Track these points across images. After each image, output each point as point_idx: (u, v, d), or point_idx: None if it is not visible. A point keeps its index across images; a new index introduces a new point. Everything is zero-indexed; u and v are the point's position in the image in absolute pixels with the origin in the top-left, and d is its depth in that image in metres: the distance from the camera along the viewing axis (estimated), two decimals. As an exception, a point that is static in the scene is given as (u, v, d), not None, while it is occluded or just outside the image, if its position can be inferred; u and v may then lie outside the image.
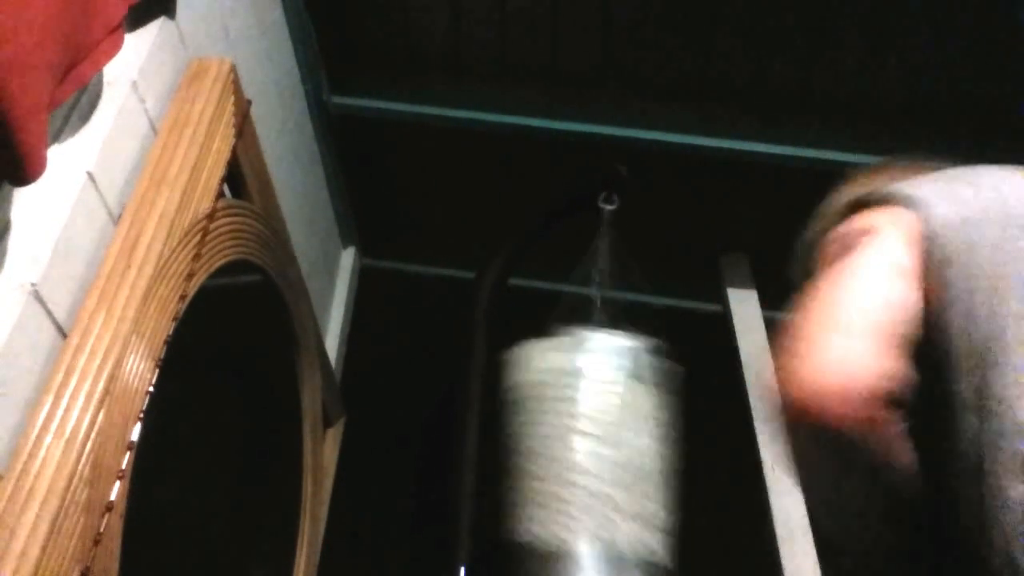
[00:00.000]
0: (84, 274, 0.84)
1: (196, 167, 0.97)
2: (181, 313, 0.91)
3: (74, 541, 0.74)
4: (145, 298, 0.85)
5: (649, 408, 1.22)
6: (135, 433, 0.83)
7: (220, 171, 1.03)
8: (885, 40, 1.46)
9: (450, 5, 1.53)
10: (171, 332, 0.89)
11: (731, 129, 1.65)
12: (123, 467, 0.81)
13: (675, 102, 1.63)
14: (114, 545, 0.81)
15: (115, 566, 0.81)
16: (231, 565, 1.33)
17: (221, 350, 1.23)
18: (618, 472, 1.15)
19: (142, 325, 0.84)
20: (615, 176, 1.45)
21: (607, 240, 1.41)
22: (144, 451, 0.84)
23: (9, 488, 0.70)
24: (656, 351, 1.25)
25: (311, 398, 1.55)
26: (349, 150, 1.87)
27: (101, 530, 0.77)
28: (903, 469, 0.71)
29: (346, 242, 2.14)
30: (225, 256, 1.06)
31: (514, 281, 1.69)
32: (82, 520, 0.74)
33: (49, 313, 0.78)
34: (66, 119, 0.87)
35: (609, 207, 1.43)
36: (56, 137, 0.86)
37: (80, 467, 0.75)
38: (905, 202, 0.76)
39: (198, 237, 0.97)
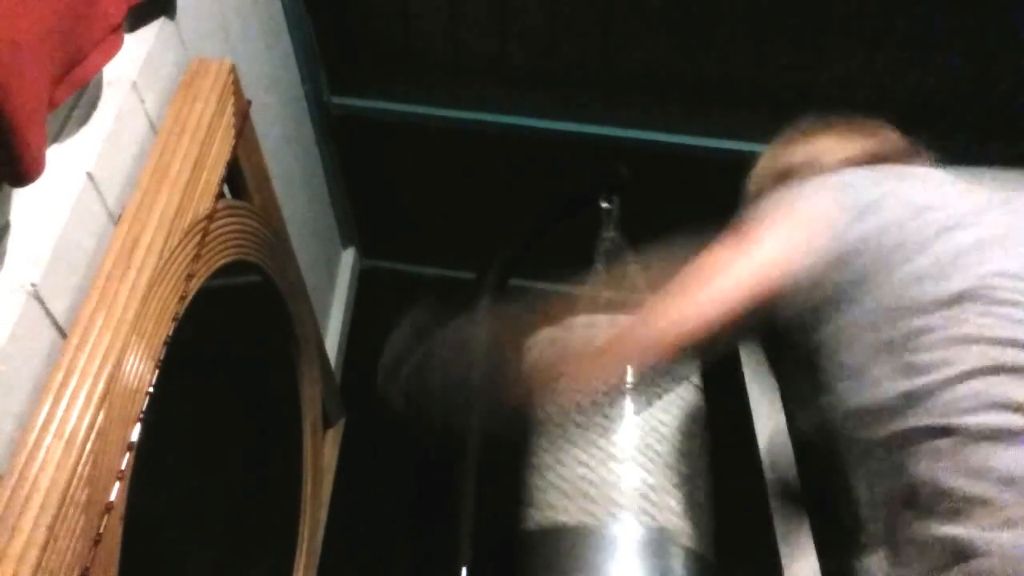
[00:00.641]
0: (84, 275, 0.84)
1: (196, 167, 0.97)
2: (181, 313, 0.91)
3: (74, 541, 0.74)
4: (145, 298, 0.85)
5: (682, 394, 1.24)
6: (135, 433, 0.83)
7: (220, 171, 1.03)
8: (885, 40, 1.46)
9: (450, 6, 1.53)
10: (171, 332, 0.89)
11: (731, 129, 1.65)
12: (123, 467, 0.81)
13: (675, 102, 1.63)
14: (114, 545, 0.81)
15: (115, 566, 0.81)
16: (231, 565, 1.33)
17: (221, 351, 1.22)
18: (657, 458, 1.15)
19: (142, 325, 0.84)
20: (615, 176, 1.45)
21: (608, 239, 1.41)
22: (144, 451, 0.84)
23: (9, 488, 0.70)
24: None
25: (311, 398, 1.55)
26: (349, 150, 1.87)
27: (101, 530, 0.77)
28: None
29: (346, 242, 2.14)
30: (225, 257, 1.06)
31: (514, 282, 1.69)
32: (82, 520, 0.74)
33: (49, 313, 0.78)
34: (66, 119, 0.87)
35: (609, 206, 1.43)
36: (56, 137, 0.86)
37: (80, 467, 0.74)
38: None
39: (198, 238, 0.97)
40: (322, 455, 1.70)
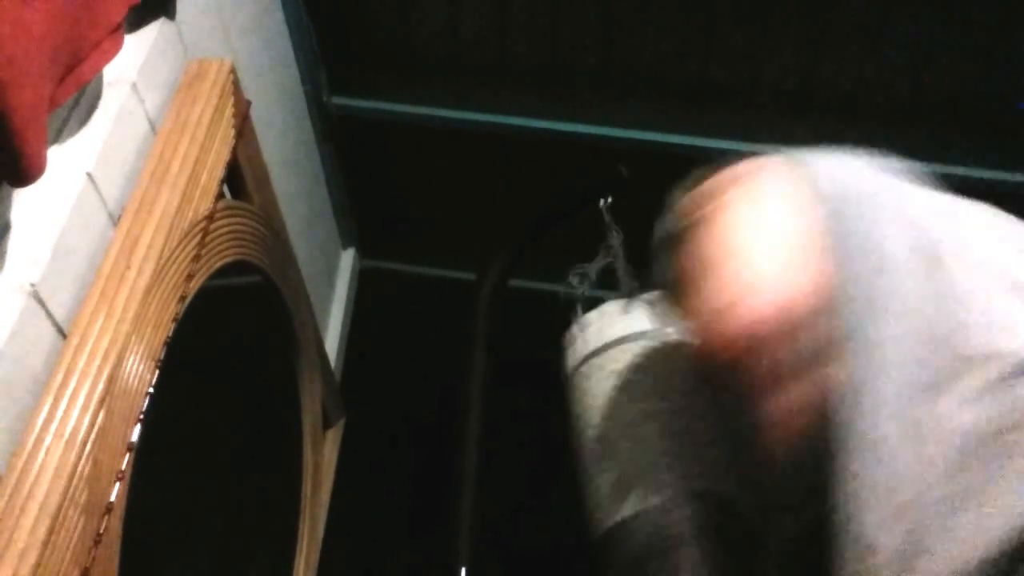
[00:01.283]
0: (84, 275, 0.84)
1: (196, 168, 0.97)
2: (181, 314, 0.91)
3: (74, 542, 0.74)
4: (145, 299, 0.85)
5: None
6: (135, 434, 0.83)
7: (220, 172, 1.03)
8: (885, 40, 1.46)
9: (450, 6, 1.53)
10: (171, 333, 0.89)
11: (731, 129, 1.65)
12: (123, 468, 0.81)
13: (675, 102, 1.63)
14: (114, 546, 0.81)
15: (115, 567, 0.81)
16: (231, 565, 1.33)
17: (221, 351, 1.22)
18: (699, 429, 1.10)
19: (142, 326, 0.84)
20: (615, 176, 1.45)
21: (608, 240, 1.41)
22: (144, 452, 0.84)
23: (9, 488, 0.70)
24: None
25: (311, 399, 1.55)
26: (349, 151, 1.87)
27: (101, 531, 0.77)
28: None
29: (346, 243, 2.14)
30: (225, 257, 1.06)
31: (514, 282, 1.69)
32: (82, 521, 0.74)
33: (49, 314, 0.78)
34: (66, 120, 0.87)
35: (607, 206, 1.42)
36: (56, 138, 0.86)
37: (80, 468, 0.75)
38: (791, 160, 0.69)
39: (198, 238, 0.97)
40: (322, 455, 1.70)
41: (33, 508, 0.70)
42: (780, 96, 1.58)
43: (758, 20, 1.47)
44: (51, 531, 0.70)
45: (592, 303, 1.34)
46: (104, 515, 0.78)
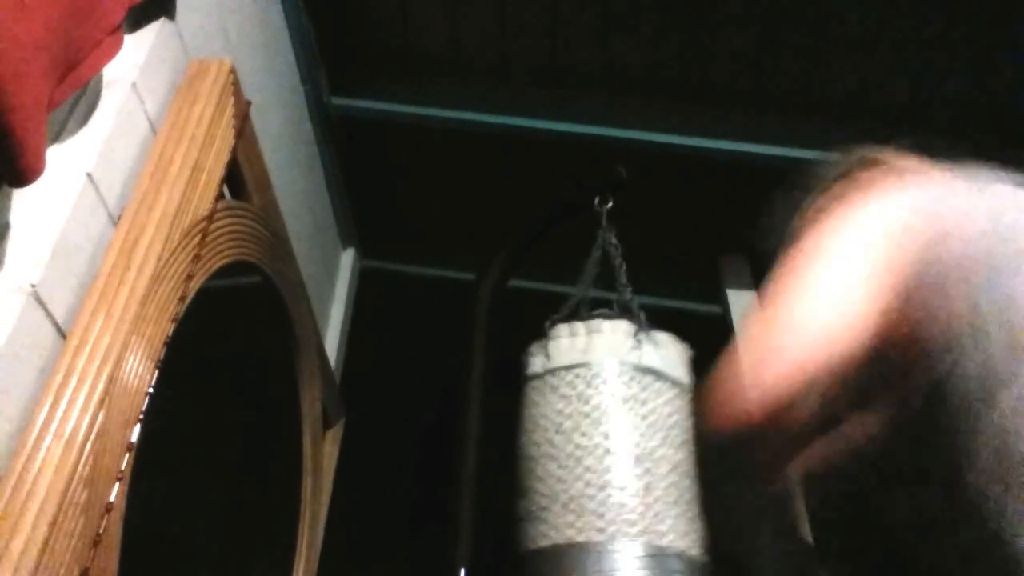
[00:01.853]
0: (84, 275, 0.84)
1: (196, 168, 0.97)
2: (181, 314, 0.91)
3: (74, 542, 0.74)
4: (145, 299, 0.85)
5: (671, 398, 1.20)
6: (135, 434, 0.83)
7: (220, 172, 1.03)
8: (885, 41, 1.46)
9: (450, 6, 1.53)
10: (171, 333, 0.89)
11: (731, 130, 1.65)
12: (123, 468, 0.81)
13: (675, 103, 1.63)
14: (114, 546, 0.81)
15: (114, 567, 0.81)
16: (231, 566, 1.33)
17: (221, 351, 1.22)
18: (649, 466, 1.13)
19: (142, 326, 0.84)
20: (614, 177, 1.45)
21: (604, 242, 1.41)
22: (144, 452, 0.84)
23: (9, 489, 0.70)
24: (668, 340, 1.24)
25: (311, 399, 1.55)
26: (349, 151, 1.87)
27: (100, 531, 0.77)
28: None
29: (346, 243, 2.14)
30: (225, 257, 1.06)
31: (514, 282, 1.69)
32: (82, 521, 0.74)
33: (49, 314, 0.78)
34: (66, 120, 0.87)
35: (605, 208, 1.42)
36: (56, 138, 0.86)
37: (80, 468, 0.75)
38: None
39: (198, 238, 0.97)
40: (322, 455, 1.70)
41: (33, 508, 0.70)
42: (780, 96, 1.58)
43: (758, 21, 1.47)
44: (51, 531, 0.70)
45: (592, 303, 1.35)
46: (104, 515, 0.78)
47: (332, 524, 1.72)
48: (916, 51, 1.46)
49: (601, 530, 1.07)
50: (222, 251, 1.05)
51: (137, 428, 0.83)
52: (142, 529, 0.87)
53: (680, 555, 1.06)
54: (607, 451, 1.12)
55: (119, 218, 0.89)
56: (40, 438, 0.73)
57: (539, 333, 1.33)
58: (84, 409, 0.76)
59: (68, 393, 0.76)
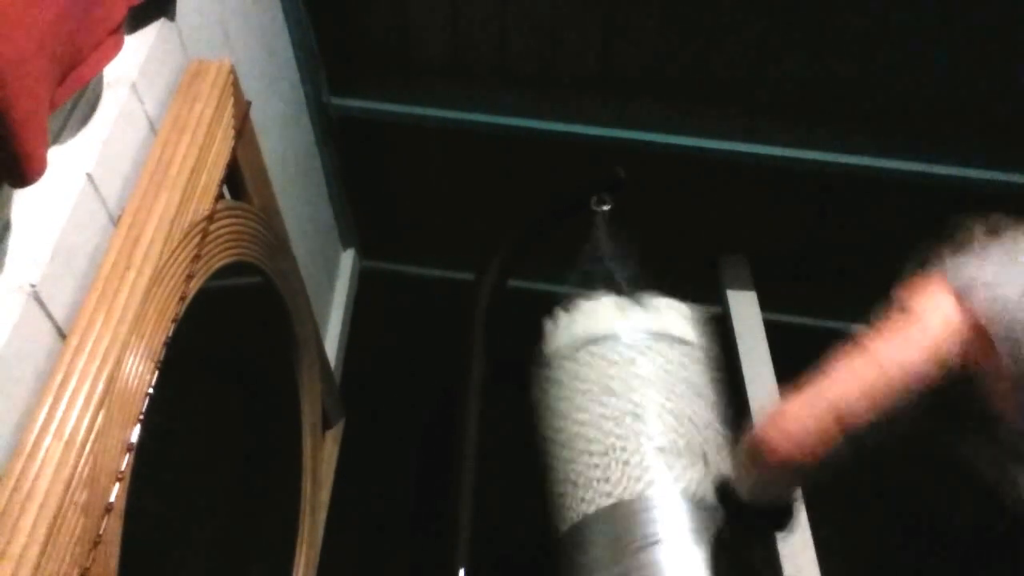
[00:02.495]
0: (84, 275, 0.84)
1: (196, 168, 0.97)
2: (180, 314, 0.91)
3: (73, 542, 0.74)
4: (144, 299, 0.85)
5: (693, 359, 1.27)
6: (134, 435, 0.83)
7: (219, 172, 1.03)
8: (885, 41, 1.46)
9: (450, 7, 1.53)
10: (170, 334, 0.89)
11: (731, 131, 1.65)
12: (122, 468, 0.81)
13: (674, 104, 1.63)
14: (113, 547, 0.81)
15: (114, 568, 0.81)
16: (231, 566, 1.33)
17: (221, 352, 1.23)
18: (675, 422, 1.18)
19: (141, 326, 0.84)
20: (613, 177, 1.45)
21: (601, 242, 1.41)
22: (144, 453, 0.84)
23: (9, 489, 0.70)
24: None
25: (310, 400, 1.55)
26: (349, 151, 1.87)
27: (100, 532, 0.77)
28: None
29: (346, 244, 2.14)
30: (224, 257, 1.06)
31: (513, 283, 1.69)
32: (81, 521, 0.74)
33: (49, 314, 0.78)
34: (66, 120, 0.87)
35: (602, 209, 1.43)
36: (56, 138, 0.86)
37: (79, 468, 0.75)
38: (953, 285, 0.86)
39: (197, 238, 0.97)
40: (322, 455, 1.71)
41: (33, 508, 0.70)
42: (780, 97, 1.58)
43: (758, 21, 1.47)
44: (51, 531, 0.70)
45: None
46: (104, 515, 0.78)
47: (332, 524, 1.72)
48: (917, 52, 1.46)
49: (639, 484, 1.13)
50: (222, 251, 1.05)
51: (137, 428, 0.83)
52: (142, 529, 0.87)
53: (701, 501, 1.13)
54: (635, 414, 1.17)
55: (119, 218, 0.89)
56: (40, 438, 0.73)
57: (538, 333, 1.34)
58: (84, 409, 0.76)
59: (68, 393, 0.76)
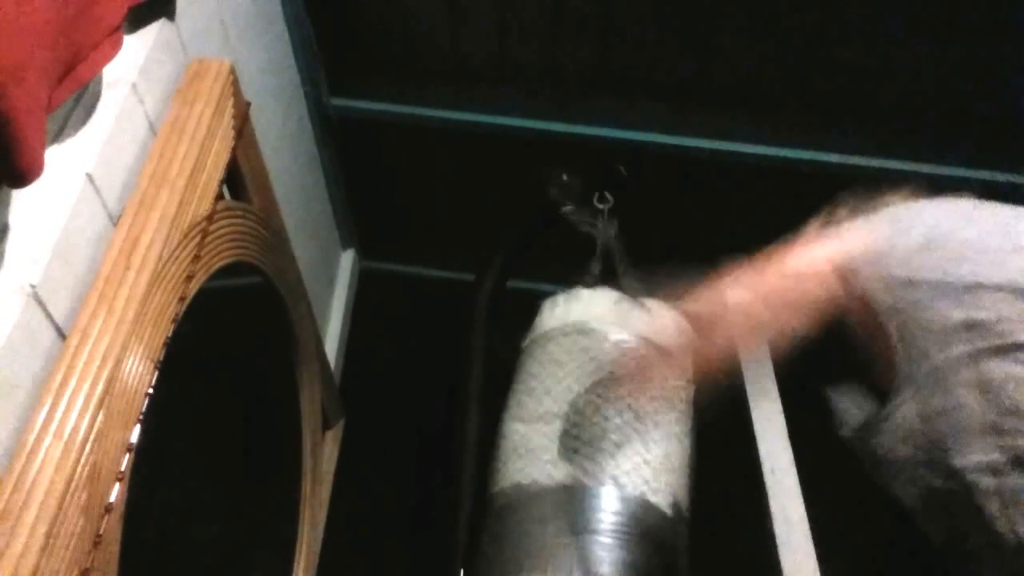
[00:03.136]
0: (83, 276, 0.84)
1: (195, 169, 0.97)
2: (180, 315, 0.91)
3: (73, 542, 0.74)
4: (144, 300, 0.85)
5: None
6: (134, 435, 0.83)
7: (219, 173, 1.03)
8: (883, 41, 1.46)
9: (450, 8, 1.53)
10: (170, 334, 0.89)
11: (731, 131, 1.65)
12: (122, 469, 0.81)
13: (674, 104, 1.63)
14: (113, 547, 0.81)
15: (114, 568, 0.81)
16: (231, 567, 1.33)
17: (220, 352, 1.22)
18: (629, 419, 1.21)
19: (141, 327, 0.84)
20: (614, 176, 1.45)
21: (605, 240, 1.41)
22: (144, 452, 0.84)
23: (8, 489, 0.70)
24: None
25: (310, 400, 1.55)
26: (348, 152, 1.87)
27: (100, 532, 0.77)
28: None
29: (345, 244, 2.14)
30: (224, 258, 1.06)
31: (513, 283, 1.69)
32: (81, 522, 0.74)
33: (48, 315, 0.78)
34: (65, 120, 0.87)
35: (605, 206, 1.43)
36: (55, 138, 0.86)
37: (79, 469, 0.75)
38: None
39: (197, 239, 0.97)
40: (321, 456, 1.71)
41: (33, 508, 0.70)
42: (780, 97, 1.58)
43: (757, 22, 1.47)
44: (51, 531, 0.70)
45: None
46: (103, 516, 0.78)
47: (332, 524, 1.72)
48: (916, 51, 1.46)
49: (593, 475, 1.16)
50: (222, 251, 1.05)
51: (137, 428, 0.83)
52: (142, 529, 0.87)
53: (645, 502, 1.16)
54: (596, 406, 1.22)
55: (119, 218, 0.89)
56: (40, 438, 0.73)
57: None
58: (84, 410, 0.76)
59: (67, 394, 0.76)
